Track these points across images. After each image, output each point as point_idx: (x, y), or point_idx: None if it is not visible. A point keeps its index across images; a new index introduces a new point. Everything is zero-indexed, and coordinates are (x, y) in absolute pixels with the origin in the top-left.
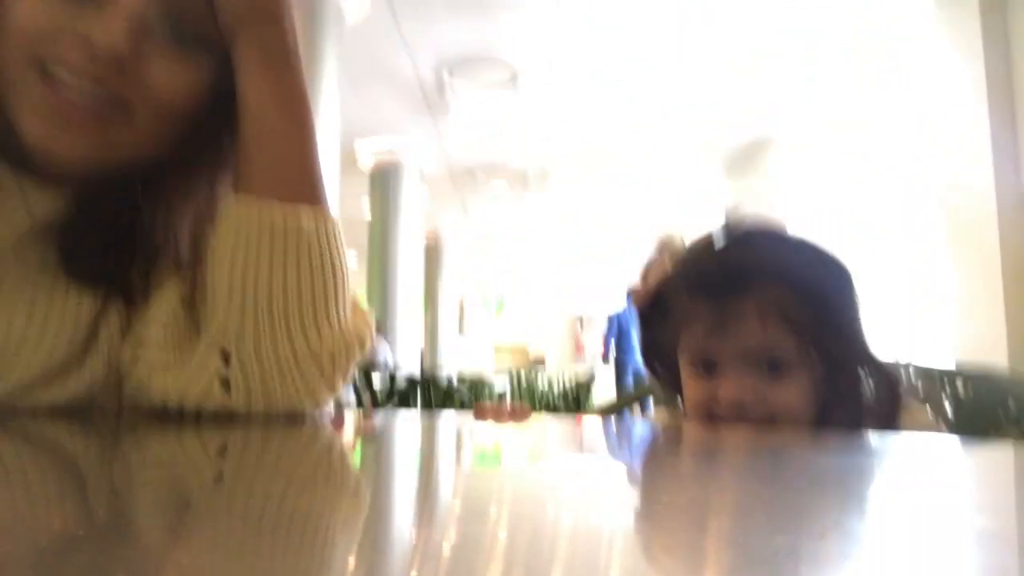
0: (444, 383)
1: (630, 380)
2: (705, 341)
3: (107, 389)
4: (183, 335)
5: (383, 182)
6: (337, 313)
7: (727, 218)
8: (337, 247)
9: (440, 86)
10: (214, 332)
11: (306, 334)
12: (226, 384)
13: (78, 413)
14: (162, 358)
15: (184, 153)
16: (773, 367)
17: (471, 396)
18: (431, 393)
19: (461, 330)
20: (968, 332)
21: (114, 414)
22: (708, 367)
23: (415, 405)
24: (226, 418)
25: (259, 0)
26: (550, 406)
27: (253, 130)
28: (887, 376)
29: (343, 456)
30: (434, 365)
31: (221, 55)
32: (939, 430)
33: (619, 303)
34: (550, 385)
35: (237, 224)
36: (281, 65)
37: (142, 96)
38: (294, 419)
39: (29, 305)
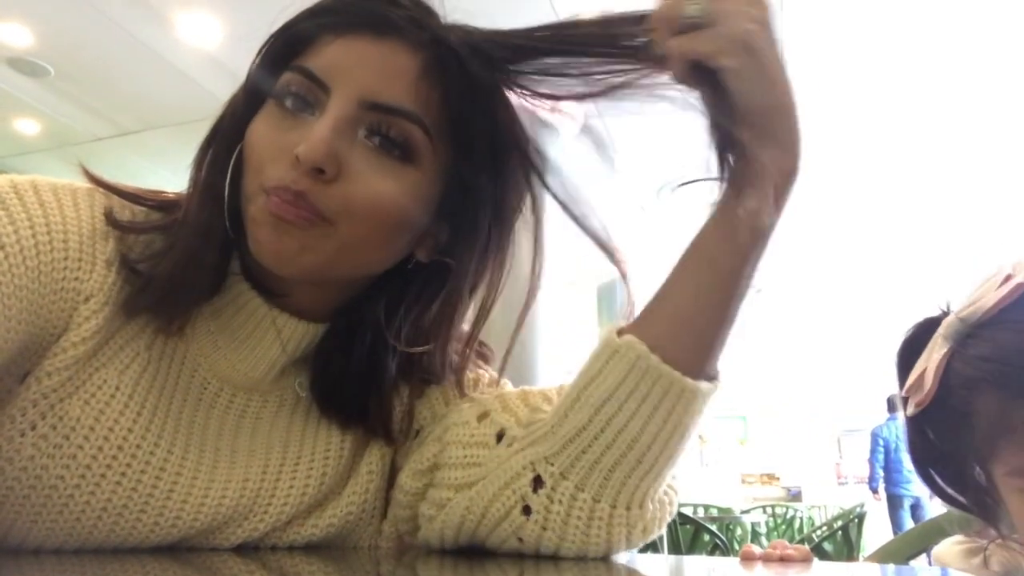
0: (690, 521)
1: (904, 515)
2: None
3: (361, 525)
4: (484, 454)
5: (609, 298)
6: (666, 487)
7: None
8: (697, 427)
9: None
10: (540, 453)
11: (629, 504)
12: (527, 511)
13: (334, 552)
14: (464, 475)
15: (418, 277)
16: None
17: (725, 536)
18: (678, 532)
19: (702, 460)
20: None
21: (371, 550)
22: None
23: (660, 543)
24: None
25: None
26: (815, 548)
27: (691, 290)
28: None
29: None
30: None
31: (441, 169)
32: None
33: (881, 415)
34: (811, 519)
35: (629, 370)
36: (759, 246)
37: (344, 203)
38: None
39: (284, 442)
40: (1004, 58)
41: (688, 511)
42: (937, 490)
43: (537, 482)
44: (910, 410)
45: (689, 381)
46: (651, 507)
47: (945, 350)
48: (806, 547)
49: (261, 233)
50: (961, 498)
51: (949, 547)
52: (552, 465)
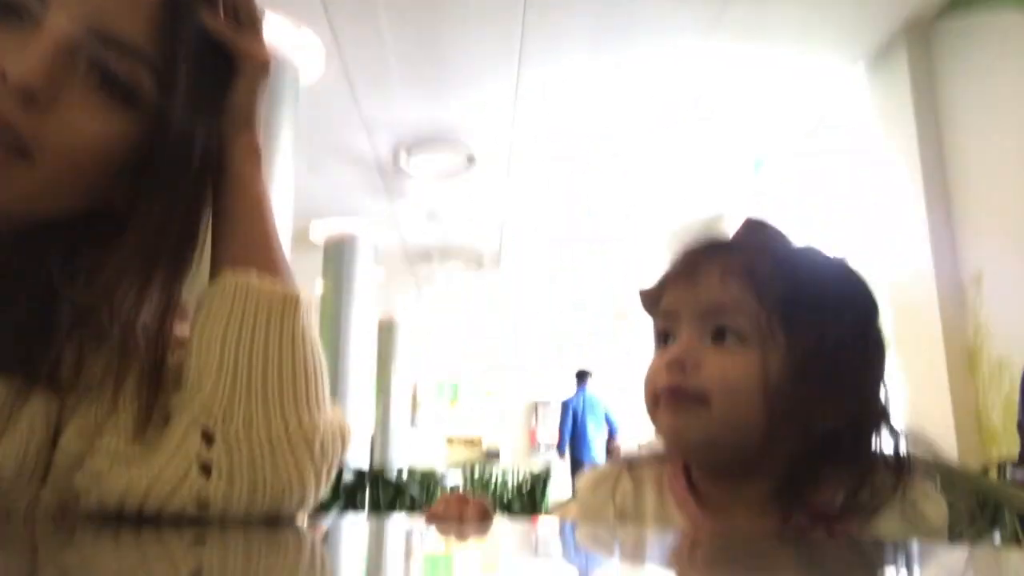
0: (394, 479)
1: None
2: (666, 298)
3: (17, 488)
4: (153, 429)
5: (337, 256)
6: (326, 400)
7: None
8: (316, 332)
9: (397, 167)
10: (196, 411)
11: (299, 416)
12: (206, 470)
13: None
14: (128, 450)
15: (112, 225)
16: (720, 333)
17: (422, 494)
18: (380, 491)
19: (414, 422)
20: (914, 418)
21: (27, 518)
22: (666, 338)
23: (362, 503)
24: (172, 525)
25: (251, 108)
26: (504, 504)
27: (250, 220)
28: (894, 434)
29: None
30: (384, 458)
31: (155, 117)
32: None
33: (572, 388)
34: (504, 481)
35: (232, 298)
36: (259, 163)
37: (50, 139)
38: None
39: None
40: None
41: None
42: None
43: (207, 438)
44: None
45: (285, 289)
46: (322, 419)
47: None
48: (483, 500)
49: None
50: None
51: (586, 477)
52: (211, 414)
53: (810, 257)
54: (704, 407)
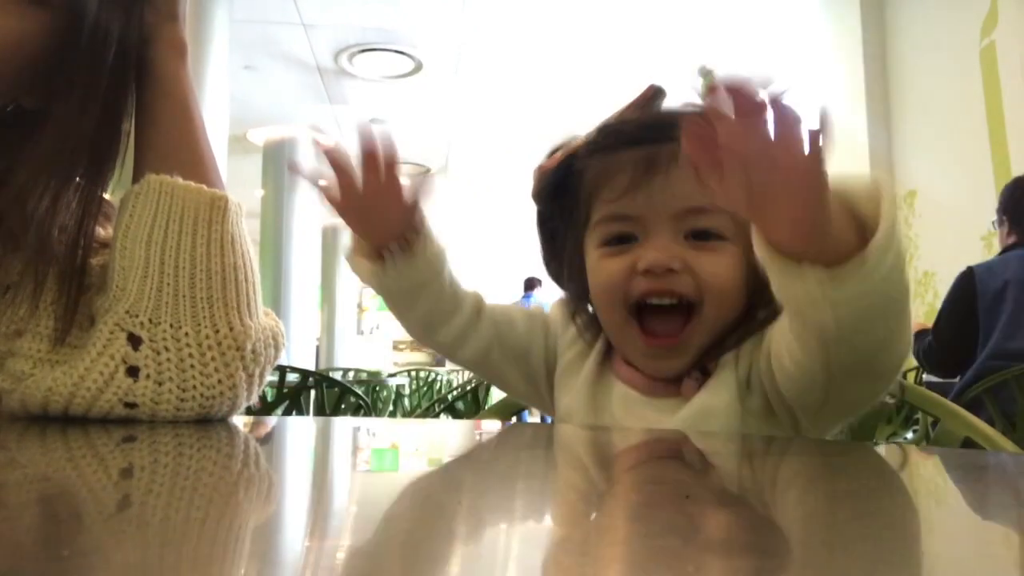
0: (336, 383)
1: None
2: (624, 199)
3: None
4: (78, 332)
5: (277, 160)
6: (258, 305)
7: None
8: (247, 237)
9: (339, 71)
10: (121, 314)
11: (229, 320)
12: (133, 372)
13: None
14: (50, 352)
15: (28, 127)
16: (700, 236)
17: (369, 395)
18: (324, 394)
19: (359, 330)
20: None
21: None
22: (624, 240)
23: (307, 406)
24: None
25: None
26: (448, 407)
27: (175, 119)
28: None
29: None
30: (331, 365)
31: (69, 12)
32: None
33: (519, 293)
34: (449, 381)
35: (157, 201)
36: (184, 58)
37: None
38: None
39: None
40: None
41: (338, 375)
42: (563, 287)
43: (133, 340)
44: (537, 190)
45: (213, 191)
46: (253, 324)
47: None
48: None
49: None
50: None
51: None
52: (137, 316)
53: None
54: (695, 313)
